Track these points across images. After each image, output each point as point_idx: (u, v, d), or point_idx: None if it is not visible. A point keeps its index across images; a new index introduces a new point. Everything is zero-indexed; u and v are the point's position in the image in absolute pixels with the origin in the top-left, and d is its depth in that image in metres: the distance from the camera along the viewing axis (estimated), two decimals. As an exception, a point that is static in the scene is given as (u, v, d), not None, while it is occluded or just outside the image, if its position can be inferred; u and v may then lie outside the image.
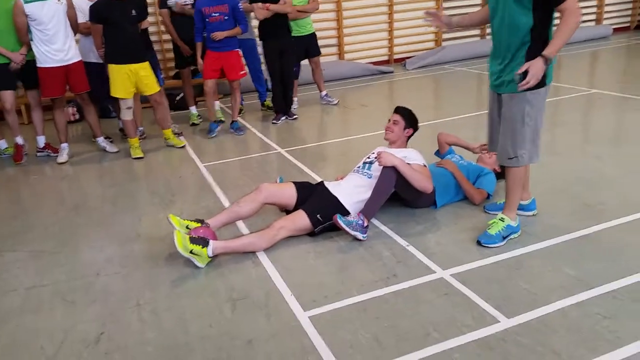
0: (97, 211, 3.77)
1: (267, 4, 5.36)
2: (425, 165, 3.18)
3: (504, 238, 2.78)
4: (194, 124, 5.99)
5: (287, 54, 5.64)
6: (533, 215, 3.07)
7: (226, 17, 5.08)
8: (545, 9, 2.48)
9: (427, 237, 2.95)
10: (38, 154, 5.13)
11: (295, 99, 6.32)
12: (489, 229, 2.79)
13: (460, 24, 3.02)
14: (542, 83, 2.54)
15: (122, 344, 2.23)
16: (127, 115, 4.86)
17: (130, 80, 4.72)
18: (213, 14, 5.05)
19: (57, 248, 3.18)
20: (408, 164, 3.06)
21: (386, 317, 2.28)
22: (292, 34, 6.01)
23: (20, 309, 2.56)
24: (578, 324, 2.13)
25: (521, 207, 3.00)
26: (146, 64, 4.81)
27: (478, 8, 8.03)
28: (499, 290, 2.40)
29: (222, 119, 5.76)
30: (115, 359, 2.15)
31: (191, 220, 3.01)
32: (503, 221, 2.78)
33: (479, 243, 2.78)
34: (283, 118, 5.86)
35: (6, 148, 5.19)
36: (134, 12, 4.69)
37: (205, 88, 5.34)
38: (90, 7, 4.69)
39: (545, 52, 2.45)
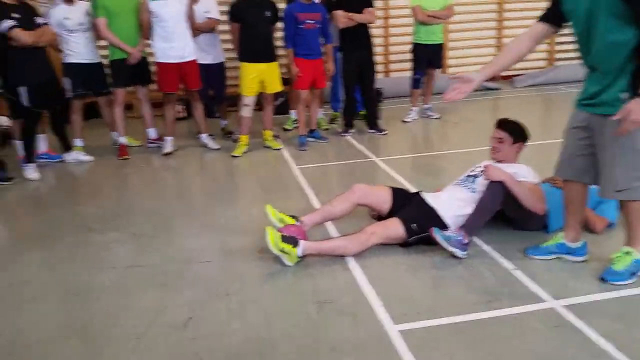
0: (195, 202, 3.89)
1: (351, 14, 5.19)
2: (538, 184, 2.89)
3: (633, 274, 2.42)
4: (286, 129, 6.02)
5: (367, 67, 5.41)
6: (584, 261, 2.64)
7: (319, 26, 4.99)
8: None
9: (535, 262, 2.66)
10: (149, 145, 5.44)
11: (414, 109, 6.15)
12: (613, 264, 2.44)
13: (496, 70, 2.53)
14: None
15: (207, 331, 2.22)
16: (245, 112, 5.00)
17: (258, 79, 4.87)
18: (308, 21, 4.93)
19: (155, 232, 3.29)
20: (518, 180, 2.80)
21: (485, 343, 2.06)
22: (417, 41, 5.83)
23: (117, 286, 2.65)
24: None
25: (567, 250, 2.62)
26: (275, 64, 4.97)
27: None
28: (624, 330, 2.09)
29: (327, 127, 5.76)
30: (200, 345, 2.13)
31: (286, 215, 2.97)
32: (630, 255, 2.41)
33: (602, 280, 2.43)
34: (351, 132, 5.58)
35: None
36: (267, 13, 4.85)
37: (301, 97, 5.15)
38: (231, 6, 4.93)
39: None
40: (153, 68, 5.12)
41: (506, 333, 2.12)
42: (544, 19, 2.48)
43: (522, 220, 2.93)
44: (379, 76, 6.41)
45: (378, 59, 5.85)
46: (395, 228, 2.83)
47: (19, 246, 3.21)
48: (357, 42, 5.32)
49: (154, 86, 5.29)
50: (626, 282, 2.40)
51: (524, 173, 2.93)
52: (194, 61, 5.05)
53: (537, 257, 2.66)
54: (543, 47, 8.45)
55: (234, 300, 2.45)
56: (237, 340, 2.15)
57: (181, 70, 4.95)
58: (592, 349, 1.98)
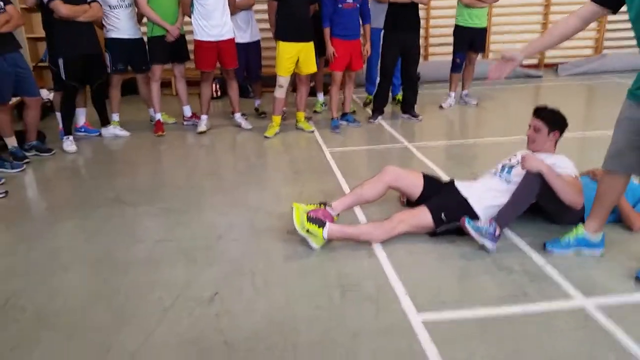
0: (226, 180, 3.93)
1: None
2: (577, 177, 2.78)
3: (670, 276, 2.31)
4: (315, 112, 5.97)
5: (412, 49, 5.21)
6: (600, 255, 2.55)
7: (357, 5, 4.88)
8: None
9: (569, 258, 2.57)
10: (185, 123, 5.50)
11: (452, 94, 6.00)
12: None
13: (539, 48, 2.44)
14: None
15: (232, 308, 2.25)
16: (278, 92, 4.98)
17: (293, 59, 4.83)
18: (347, 0, 4.81)
19: (186, 208, 3.34)
20: (557, 172, 2.70)
21: (510, 340, 2.01)
22: (460, 23, 5.66)
23: (147, 259, 2.71)
24: None
25: (585, 243, 2.53)
26: (311, 45, 4.90)
27: None
28: (657, 335, 2.00)
29: (354, 109, 5.71)
30: (224, 321, 2.16)
31: (314, 205, 2.95)
32: None
33: (638, 280, 2.34)
34: (380, 117, 5.46)
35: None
36: None
37: (336, 79, 5.08)
38: None
39: None
40: (191, 45, 5.15)
41: (532, 331, 2.06)
42: (599, 0, 2.33)
43: (558, 213, 2.83)
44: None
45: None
46: (423, 217, 2.78)
47: (55, 216, 3.32)
48: (404, 22, 5.11)
49: (190, 64, 5.32)
50: (664, 284, 2.30)
51: (563, 164, 2.81)
52: (232, 40, 5.04)
53: (556, 251, 2.59)
54: (591, 34, 8.07)
55: (259, 279, 2.47)
56: (260, 320, 2.17)
57: (219, 48, 4.95)
58: (620, 353, 1.91)
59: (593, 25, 7.85)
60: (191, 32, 4.97)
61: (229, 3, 4.95)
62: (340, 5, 4.82)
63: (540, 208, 2.82)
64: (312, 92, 6.30)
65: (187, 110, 5.53)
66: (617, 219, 2.87)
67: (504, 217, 2.68)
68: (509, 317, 2.15)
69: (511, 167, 2.90)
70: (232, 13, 5.08)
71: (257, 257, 2.68)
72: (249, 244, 2.84)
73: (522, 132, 3.08)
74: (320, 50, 5.28)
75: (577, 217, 2.77)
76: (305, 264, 2.63)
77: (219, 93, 6.99)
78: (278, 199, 3.45)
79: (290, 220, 2.72)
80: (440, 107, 5.95)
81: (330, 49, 4.93)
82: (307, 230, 2.68)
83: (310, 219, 2.69)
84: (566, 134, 3.00)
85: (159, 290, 2.40)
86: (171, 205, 3.39)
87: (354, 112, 5.68)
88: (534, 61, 8.24)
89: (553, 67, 8.08)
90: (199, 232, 2.99)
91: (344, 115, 5.38)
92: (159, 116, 5.22)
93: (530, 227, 2.89)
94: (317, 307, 2.25)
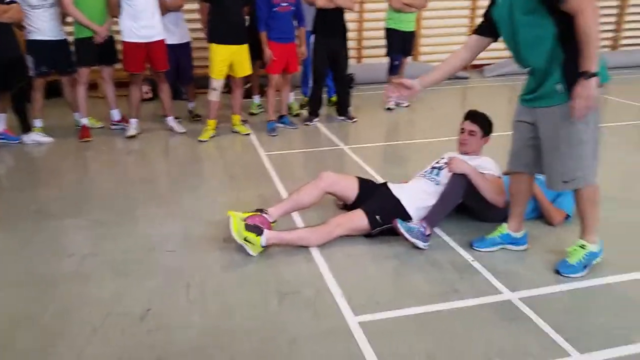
0: (158, 188, 3.81)
1: None
2: (500, 177, 2.94)
3: (586, 267, 2.49)
4: (252, 114, 5.92)
5: (340, 53, 5.30)
6: (524, 250, 2.73)
7: (293, 8, 4.91)
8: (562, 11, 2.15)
9: (494, 255, 2.72)
10: (113, 127, 5.28)
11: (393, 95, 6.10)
12: (568, 257, 2.51)
13: (434, 80, 2.63)
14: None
15: (166, 323, 2.19)
16: (212, 96, 4.90)
17: (227, 61, 4.77)
18: (282, 4, 4.83)
19: (115, 219, 3.21)
20: (481, 173, 2.84)
21: (444, 334, 2.10)
22: (390, 26, 5.78)
23: (74, 275, 2.58)
24: (666, 374, 1.86)
25: (509, 240, 2.70)
26: (245, 47, 4.85)
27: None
28: (573, 321, 2.16)
29: (298, 112, 5.72)
30: (158, 337, 2.10)
31: (251, 212, 2.93)
32: (584, 248, 2.49)
33: (557, 272, 2.50)
34: (316, 120, 5.50)
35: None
36: None
37: (273, 82, 5.08)
38: None
39: (585, 68, 2.13)
40: (119, 47, 4.96)
41: (463, 324, 2.16)
42: (477, 31, 2.58)
43: (483, 211, 2.98)
44: (351, 62, 6.36)
45: (350, 44, 5.77)
46: (359, 220, 2.83)
47: (-29, 232, 3.09)
48: (331, 27, 5.21)
49: (119, 66, 5.12)
50: (579, 275, 2.47)
51: (487, 165, 2.97)
52: (162, 41, 4.91)
53: (482, 249, 2.72)
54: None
55: (194, 291, 2.42)
56: (196, 333, 2.13)
57: (148, 50, 4.81)
58: (543, 341, 2.04)
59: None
60: (119, 32, 4.79)
61: (159, 4, 4.81)
62: (275, 9, 4.83)
63: (467, 207, 2.96)
64: (248, 94, 6.27)
65: (116, 114, 5.31)
66: (539, 215, 3.07)
67: (434, 217, 2.79)
68: (442, 313, 2.24)
69: (440, 169, 3.02)
70: (162, 14, 4.94)
71: (193, 268, 2.62)
72: (183, 254, 2.78)
73: (452, 133, 3.22)
74: (256, 53, 5.22)
75: (501, 214, 2.92)
76: (242, 272, 2.61)
77: (150, 95, 6.76)
78: (214, 206, 3.39)
79: (227, 228, 2.69)
80: (388, 109, 6.04)
81: (268, 53, 4.93)
82: (245, 239, 2.66)
83: (248, 227, 2.67)
84: (492, 134, 3.18)
85: (88, 308, 2.30)
86: (100, 217, 3.25)
87: (297, 115, 5.69)
88: (462, 63, 8.60)
89: (479, 68, 8.48)
90: (131, 244, 2.88)
91: (281, 118, 5.37)
92: (85, 121, 4.99)
93: (458, 225, 3.02)
94: (256, 315, 2.24)
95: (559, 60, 2.26)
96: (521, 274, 2.54)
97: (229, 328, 2.15)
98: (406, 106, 6.24)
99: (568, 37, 2.18)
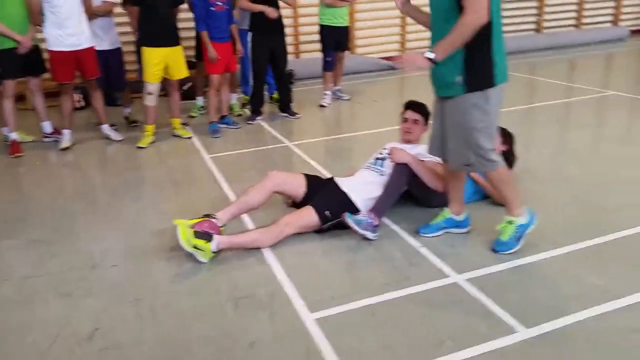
0: (97, 200, 3.67)
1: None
2: (439, 163, 3.04)
3: (519, 239, 2.62)
4: (191, 116, 5.76)
5: (279, 49, 5.30)
6: (467, 232, 2.84)
7: (227, 7, 4.86)
8: None
9: (440, 239, 2.81)
10: (45, 139, 5.02)
11: (328, 92, 6.11)
12: (500, 235, 2.63)
13: (418, 17, 2.69)
14: (489, 83, 2.38)
15: (117, 341, 2.12)
16: (149, 100, 4.76)
17: (161, 64, 4.65)
18: (217, 3, 4.77)
19: (54, 237, 3.06)
20: (422, 160, 2.93)
21: (396, 322, 2.15)
22: (325, 23, 5.79)
23: (14, 299, 2.45)
24: (602, 338, 1.99)
25: (452, 224, 2.81)
26: (179, 49, 4.76)
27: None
28: (517, 298, 2.27)
29: (240, 112, 5.65)
30: (110, 356, 2.03)
31: (198, 219, 2.87)
32: (512, 223, 2.61)
33: (494, 251, 2.62)
34: (259, 118, 5.48)
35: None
36: None
37: (214, 82, 4.99)
38: None
39: (434, 50, 2.31)
40: (46, 56, 4.70)
41: (415, 311, 2.22)
42: None
43: (426, 198, 3.08)
44: (290, 58, 6.36)
45: (288, 40, 5.76)
46: (309, 217, 2.85)
47: None
48: (269, 24, 5.16)
49: (47, 75, 4.87)
50: (515, 249, 2.60)
51: (427, 153, 3.05)
52: (91, 48, 4.71)
53: (428, 235, 2.81)
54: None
55: (144, 305, 2.35)
56: (150, 349, 2.07)
57: (77, 58, 4.61)
58: (491, 320, 2.14)
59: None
60: (45, 41, 4.55)
61: (85, 9, 4.61)
62: (212, 8, 4.78)
63: (411, 194, 3.04)
64: (189, 96, 6.13)
65: (47, 126, 5.04)
66: (482, 197, 3.19)
67: (381, 208, 2.85)
68: (394, 301, 2.29)
69: (383, 160, 3.09)
70: (90, 20, 4.74)
71: (141, 282, 2.55)
72: (130, 268, 2.69)
73: (393, 123, 3.29)
74: (200, 54, 5.17)
75: (443, 199, 3.02)
76: (194, 281, 2.56)
77: (82, 103, 6.48)
78: (159, 215, 3.30)
79: (174, 236, 2.64)
80: (321, 105, 6.07)
81: (213, 53, 4.84)
82: (194, 246, 2.61)
83: (196, 235, 2.62)
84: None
85: (33, 332, 2.19)
86: (37, 236, 3.09)
87: (240, 115, 5.63)
88: (396, 53, 8.79)
89: (414, 57, 8.68)
90: (72, 262, 2.76)
91: (222, 118, 5.30)
92: (14, 135, 4.71)
93: (404, 212, 3.10)
94: (211, 323, 2.20)
95: (460, 55, 2.35)
96: (466, 255, 2.65)
97: (184, 339, 2.11)
98: (347, 99, 6.31)
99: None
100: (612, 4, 10.24)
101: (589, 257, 2.57)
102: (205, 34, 4.82)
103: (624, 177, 3.51)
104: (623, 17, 10.40)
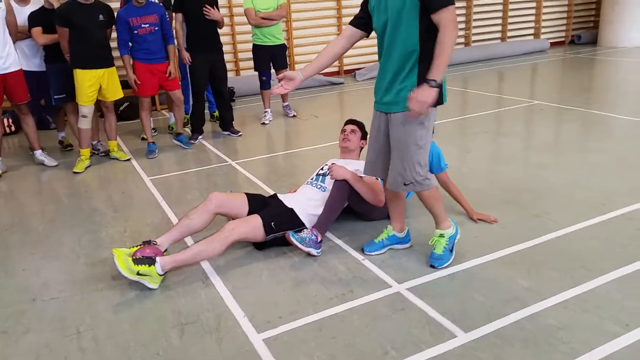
0: (33, 230, 3.51)
1: (209, 9, 5.08)
2: (378, 179, 3.15)
3: (452, 250, 2.75)
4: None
5: (219, 67, 5.32)
6: (409, 247, 2.92)
7: (156, 28, 4.82)
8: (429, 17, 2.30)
9: (382, 252, 2.90)
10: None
11: (268, 110, 6.14)
12: (434, 249, 2.74)
13: (316, 68, 2.62)
14: (439, 100, 2.40)
15: (58, 378, 2.05)
16: (83, 123, 4.66)
17: (95, 86, 4.55)
18: (143, 25, 4.74)
19: (-14, 273, 2.92)
20: (360, 177, 3.03)
21: (343, 335, 2.21)
22: (256, 42, 5.83)
23: (-58, 343, 2.31)
24: (534, 336, 2.14)
25: (396, 240, 2.88)
26: (113, 70, 4.69)
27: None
28: (455, 304, 2.39)
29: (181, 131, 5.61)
30: (51, 395, 1.96)
31: (137, 246, 2.82)
32: (443, 236, 2.73)
33: (432, 267, 2.71)
34: (200, 137, 5.48)
35: None
36: (101, 17, 4.54)
37: (143, 104, 5.00)
38: (56, 10, 4.55)
39: (430, 77, 2.27)
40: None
41: (360, 322, 2.29)
42: (352, 22, 2.63)
43: (368, 212, 3.18)
44: (230, 75, 6.37)
45: (227, 57, 5.77)
46: (254, 223, 2.85)
47: None
48: (207, 41, 5.20)
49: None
50: (450, 261, 2.72)
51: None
52: (19, 72, 4.54)
53: (373, 253, 2.87)
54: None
55: (86, 337, 2.29)
56: (94, 382, 2.02)
57: (4, 82, 4.44)
58: (432, 326, 2.24)
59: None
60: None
61: (9, 32, 4.43)
62: (135, 32, 4.75)
63: (352, 209, 3.14)
64: (126, 117, 6.00)
65: (-25, 155, 4.79)
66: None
67: (323, 224, 2.92)
68: (340, 315, 2.35)
69: (324, 175, 3.17)
70: (16, 40, 4.57)
71: (82, 313, 2.47)
72: (70, 300, 2.60)
73: (334, 138, 3.39)
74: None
75: (384, 212, 3.14)
76: (137, 309, 2.51)
77: (12, 128, 6.19)
78: (98, 243, 3.21)
79: (115, 264, 2.57)
80: (263, 124, 6.11)
81: (132, 77, 4.81)
82: (138, 273, 2.55)
83: (137, 261, 2.57)
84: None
85: (-37, 377, 2.08)
86: (-34, 272, 2.93)
87: (179, 134, 5.58)
88: (335, 69, 8.99)
89: (351, 73, 8.91)
90: (8, 298, 2.64)
91: (177, 136, 5.27)
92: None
93: (345, 226, 3.19)
94: (157, 353, 2.17)
95: (415, 67, 2.40)
96: (406, 265, 2.75)
97: (129, 370, 2.08)
98: (293, 115, 6.37)
99: (427, 40, 2.33)
100: (532, 17, 11.00)
101: (518, 261, 2.74)
102: (126, 58, 4.81)
103: (550, 183, 3.77)
104: (543, 30, 11.18)
